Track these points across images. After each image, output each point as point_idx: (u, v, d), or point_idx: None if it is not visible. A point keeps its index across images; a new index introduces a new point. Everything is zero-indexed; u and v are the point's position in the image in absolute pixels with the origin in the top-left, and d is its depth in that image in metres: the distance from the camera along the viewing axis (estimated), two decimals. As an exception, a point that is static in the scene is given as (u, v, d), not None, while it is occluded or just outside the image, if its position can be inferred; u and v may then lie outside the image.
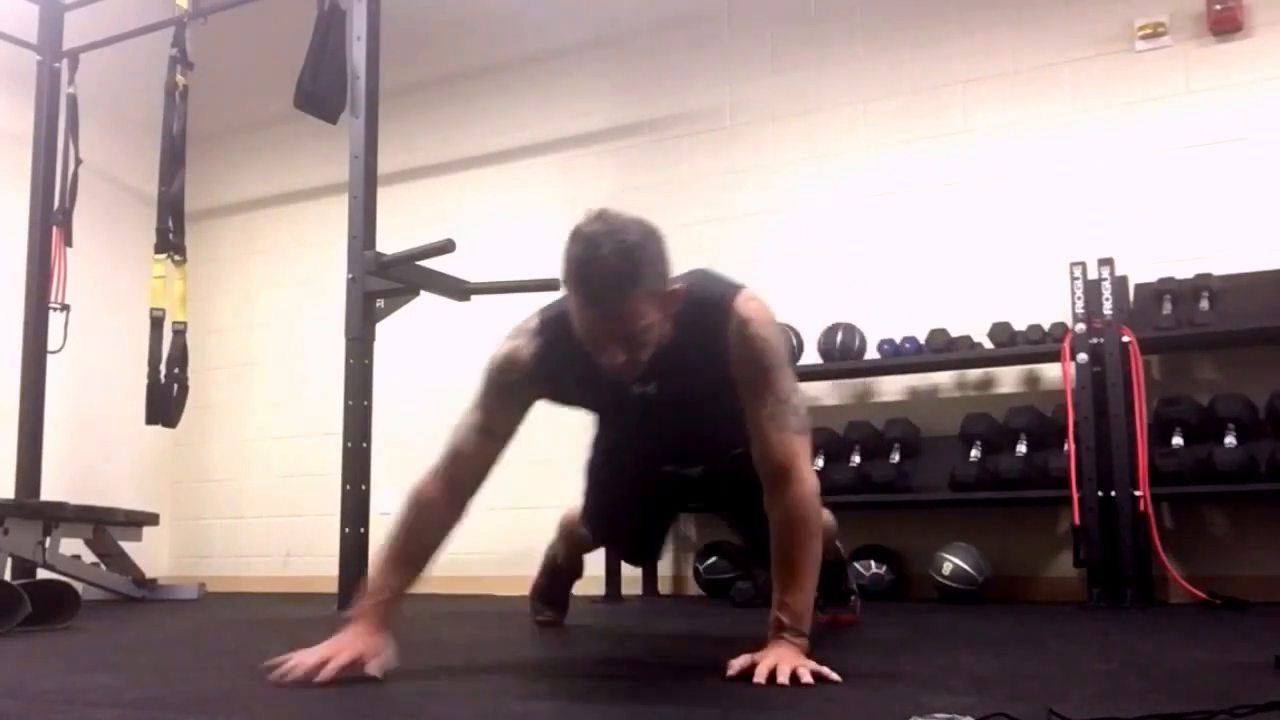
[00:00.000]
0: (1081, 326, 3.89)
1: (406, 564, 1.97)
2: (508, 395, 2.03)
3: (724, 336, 1.96)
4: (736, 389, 1.98)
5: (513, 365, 2.02)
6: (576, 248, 1.80)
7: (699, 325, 1.95)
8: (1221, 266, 3.94)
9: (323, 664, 1.78)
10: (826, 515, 2.83)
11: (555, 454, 5.15)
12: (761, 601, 3.90)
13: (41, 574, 4.31)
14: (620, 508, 2.58)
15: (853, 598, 3.01)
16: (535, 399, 2.06)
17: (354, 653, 1.81)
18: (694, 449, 2.41)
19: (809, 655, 1.82)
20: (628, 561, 2.73)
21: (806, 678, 1.72)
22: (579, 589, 4.75)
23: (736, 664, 1.79)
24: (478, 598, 4.46)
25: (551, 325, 1.99)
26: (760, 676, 1.73)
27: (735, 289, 2.01)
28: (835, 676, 1.74)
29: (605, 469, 2.53)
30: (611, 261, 1.76)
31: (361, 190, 3.92)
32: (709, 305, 1.98)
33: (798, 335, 4.49)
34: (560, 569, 3.08)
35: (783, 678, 1.72)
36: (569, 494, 5.14)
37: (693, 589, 4.73)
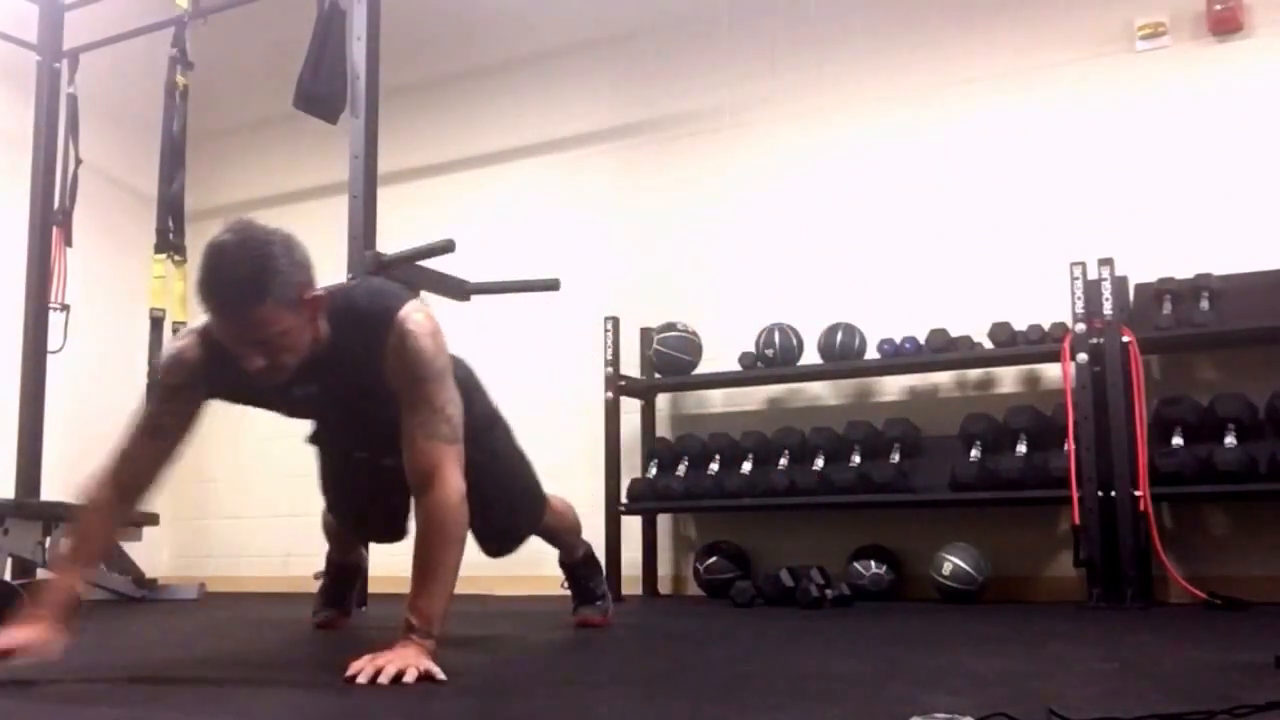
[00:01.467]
0: (1081, 326, 3.89)
1: (83, 565, 2.11)
2: (175, 397, 2.07)
3: (384, 345, 2.01)
4: (397, 396, 2.03)
5: (179, 367, 2.06)
6: (206, 258, 1.85)
7: (362, 331, 2.02)
8: (1221, 266, 3.93)
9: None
10: (572, 515, 2.96)
11: (555, 455, 5.16)
12: (762, 601, 3.91)
13: (42, 574, 4.31)
14: (339, 491, 2.66)
15: (602, 601, 3.05)
16: (205, 399, 2.10)
17: (22, 640, 1.87)
18: (381, 441, 2.39)
19: (432, 656, 1.85)
20: (364, 540, 2.82)
21: (410, 676, 1.76)
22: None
23: (357, 665, 1.80)
24: (477, 598, 4.46)
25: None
26: (364, 678, 1.76)
27: (402, 300, 2.07)
28: (441, 676, 1.78)
29: (319, 454, 2.61)
30: (238, 272, 1.82)
31: (361, 190, 3.92)
32: (373, 314, 2.04)
33: (798, 335, 4.49)
34: (335, 564, 3.08)
35: (385, 679, 1.75)
36: (567, 496, 5.13)
37: (693, 589, 4.73)
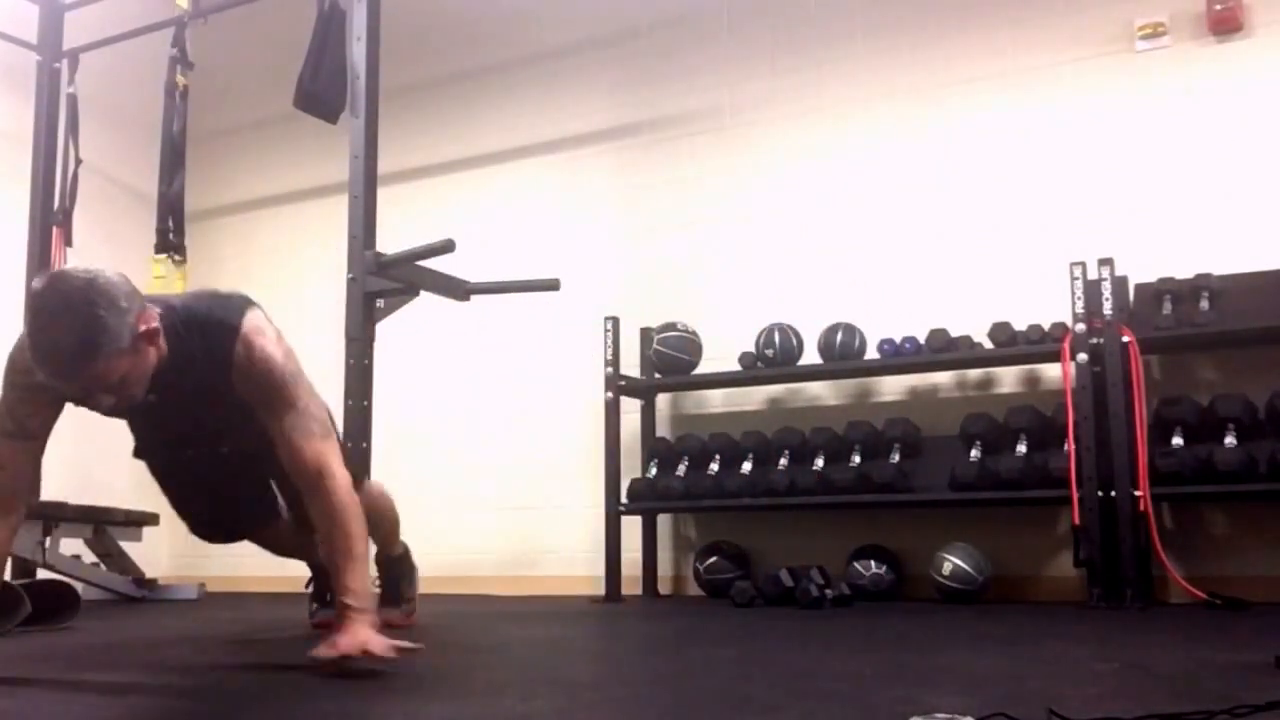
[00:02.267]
0: (1081, 326, 3.89)
1: None
2: (32, 396, 2.06)
3: (230, 354, 2.07)
4: (253, 408, 2.09)
5: (31, 365, 2.01)
6: (32, 323, 1.85)
7: (205, 338, 2.07)
8: (1221, 266, 3.93)
9: None
10: (392, 510, 2.95)
11: (555, 455, 5.17)
12: (762, 601, 3.91)
13: (41, 574, 4.31)
14: (173, 490, 2.70)
15: (408, 604, 3.03)
16: (61, 398, 2.09)
17: None
18: (214, 431, 2.46)
19: (379, 625, 1.96)
20: (206, 539, 2.84)
21: (380, 649, 1.85)
22: (578, 588, 4.78)
23: (319, 651, 1.86)
24: (477, 598, 4.46)
25: None
26: (331, 654, 1.83)
27: (243, 310, 2.11)
28: (411, 645, 1.89)
29: (150, 466, 2.63)
30: (66, 339, 1.82)
31: (361, 190, 3.92)
32: (216, 322, 2.08)
33: (798, 335, 4.49)
34: (313, 566, 3.11)
35: (350, 649, 1.84)
36: (567, 496, 5.14)
37: (693, 589, 4.73)
